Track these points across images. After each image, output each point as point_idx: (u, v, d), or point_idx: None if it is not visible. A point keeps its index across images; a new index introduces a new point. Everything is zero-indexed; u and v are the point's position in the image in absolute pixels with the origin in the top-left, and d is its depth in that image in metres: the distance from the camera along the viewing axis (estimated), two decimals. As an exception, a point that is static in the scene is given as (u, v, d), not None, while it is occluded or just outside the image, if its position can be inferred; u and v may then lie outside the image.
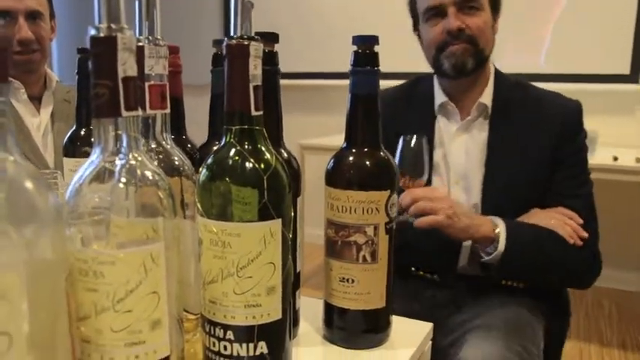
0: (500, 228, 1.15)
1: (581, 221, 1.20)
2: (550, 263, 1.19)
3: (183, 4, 4.14)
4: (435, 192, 1.15)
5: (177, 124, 0.82)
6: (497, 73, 1.36)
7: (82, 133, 0.82)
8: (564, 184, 1.26)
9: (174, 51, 0.80)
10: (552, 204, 1.25)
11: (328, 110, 3.27)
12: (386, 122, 1.37)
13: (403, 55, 3.32)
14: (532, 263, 1.18)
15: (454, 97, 1.35)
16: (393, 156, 0.77)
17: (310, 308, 0.79)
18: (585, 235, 1.19)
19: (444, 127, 1.36)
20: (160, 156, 0.63)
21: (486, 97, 1.32)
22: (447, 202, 1.12)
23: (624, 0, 2.90)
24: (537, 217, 1.21)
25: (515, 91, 1.34)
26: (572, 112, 1.30)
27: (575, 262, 1.20)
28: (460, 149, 1.34)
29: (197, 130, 0.86)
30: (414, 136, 1.12)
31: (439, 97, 1.37)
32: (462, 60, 1.26)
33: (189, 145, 0.82)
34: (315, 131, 3.07)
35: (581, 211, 1.24)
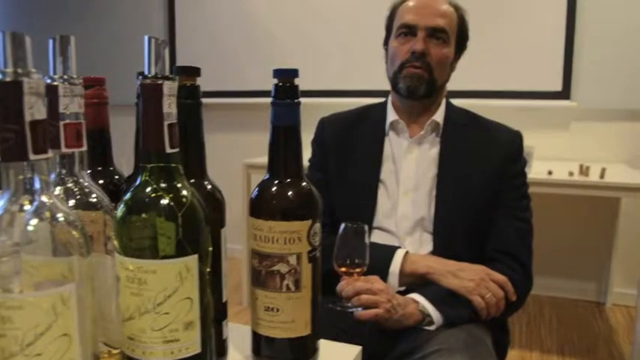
0: (424, 304, 1.20)
1: (511, 290, 1.24)
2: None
3: (127, 15, 4.09)
4: (376, 284, 1.19)
5: (103, 156, 0.81)
6: (449, 101, 1.45)
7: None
8: (511, 204, 1.35)
9: (99, 82, 0.80)
10: (501, 222, 1.34)
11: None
12: (337, 141, 1.44)
13: (356, 73, 3.40)
14: (471, 313, 1.23)
15: (406, 117, 1.43)
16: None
17: (240, 337, 0.80)
18: (514, 298, 1.24)
19: (395, 143, 1.43)
20: (78, 194, 0.63)
21: (438, 116, 1.41)
22: (387, 295, 1.16)
23: (554, 20, 3.04)
24: (462, 274, 1.25)
25: (465, 116, 1.44)
26: (516, 137, 1.40)
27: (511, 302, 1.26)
28: (411, 163, 1.40)
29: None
30: (356, 224, 1.15)
31: (391, 115, 1.44)
32: (415, 85, 1.35)
33: (116, 177, 0.82)
34: (260, 150, 3.06)
35: (525, 234, 1.35)
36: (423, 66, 1.33)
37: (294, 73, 0.71)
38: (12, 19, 4.51)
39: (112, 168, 0.82)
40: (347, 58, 3.42)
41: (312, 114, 1.32)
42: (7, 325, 0.48)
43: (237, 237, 2.94)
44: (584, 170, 2.54)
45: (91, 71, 0.80)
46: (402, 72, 1.36)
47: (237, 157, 3.04)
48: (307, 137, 0.88)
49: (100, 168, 0.79)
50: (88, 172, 0.66)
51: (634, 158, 2.99)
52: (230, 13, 3.78)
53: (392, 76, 1.40)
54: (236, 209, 2.66)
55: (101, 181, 0.76)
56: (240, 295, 3.06)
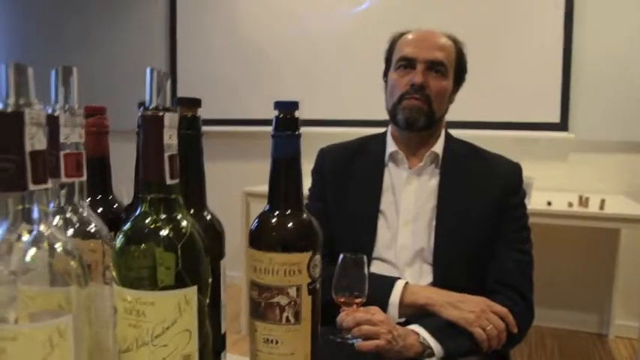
0: (425, 335, 1.19)
1: (513, 322, 1.22)
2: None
3: (130, 42, 4.13)
4: (376, 315, 1.18)
5: (103, 184, 0.81)
6: (448, 132, 1.46)
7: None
8: (511, 236, 1.35)
9: (100, 111, 0.81)
10: (501, 253, 1.33)
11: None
12: (336, 172, 1.44)
13: (355, 103, 3.42)
14: (472, 345, 1.21)
15: (405, 148, 1.43)
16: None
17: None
18: (515, 330, 1.22)
19: (395, 174, 1.43)
20: (77, 223, 0.63)
21: (438, 147, 1.41)
22: (387, 326, 1.16)
23: (552, 53, 3.08)
24: (462, 306, 1.24)
25: (464, 148, 1.45)
26: (515, 168, 1.41)
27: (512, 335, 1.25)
28: (410, 194, 1.40)
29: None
30: (355, 255, 1.15)
31: (390, 146, 1.44)
32: (414, 117, 1.35)
33: (115, 205, 0.81)
34: (260, 178, 3.07)
35: (525, 266, 1.34)
36: (422, 98, 1.34)
37: (294, 105, 0.72)
38: (14, 45, 4.55)
39: (111, 196, 0.82)
40: (347, 88, 3.45)
41: (311, 143, 1.33)
42: (1, 357, 0.47)
43: (237, 264, 2.93)
44: (583, 201, 2.54)
45: (92, 97, 0.81)
46: (402, 103, 1.36)
47: (237, 185, 3.04)
48: (306, 166, 0.88)
49: (99, 196, 0.79)
50: (88, 200, 0.66)
51: (633, 190, 3.00)
52: (231, 42, 3.83)
53: (391, 108, 1.41)
54: (235, 237, 2.65)
55: (100, 210, 0.76)
56: (239, 324, 3.03)
